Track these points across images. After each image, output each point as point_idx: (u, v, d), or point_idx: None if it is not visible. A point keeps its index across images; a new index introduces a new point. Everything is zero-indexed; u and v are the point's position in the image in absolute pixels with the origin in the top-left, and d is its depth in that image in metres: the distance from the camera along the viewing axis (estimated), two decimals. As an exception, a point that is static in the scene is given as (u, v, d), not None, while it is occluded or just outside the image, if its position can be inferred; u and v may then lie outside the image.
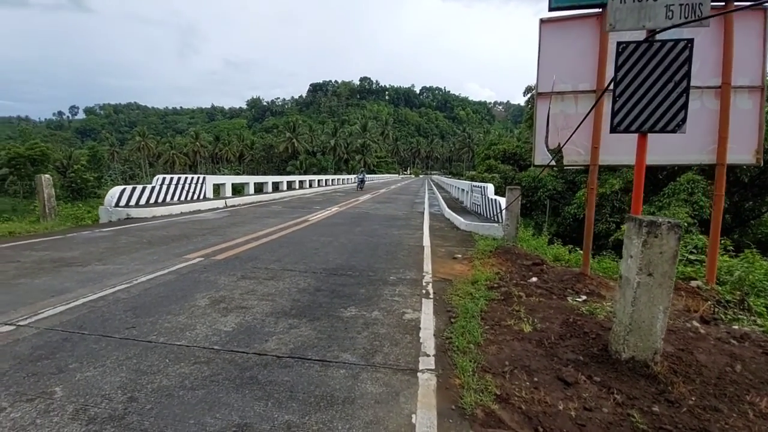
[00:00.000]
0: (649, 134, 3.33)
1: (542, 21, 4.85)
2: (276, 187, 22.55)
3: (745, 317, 3.80)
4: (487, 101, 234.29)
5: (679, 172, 15.22)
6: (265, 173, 65.33)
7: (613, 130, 3.30)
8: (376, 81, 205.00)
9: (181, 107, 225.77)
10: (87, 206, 12.00)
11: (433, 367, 2.79)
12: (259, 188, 20.68)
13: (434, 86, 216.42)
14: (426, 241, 7.95)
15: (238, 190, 18.44)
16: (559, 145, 4.78)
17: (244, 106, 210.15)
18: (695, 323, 3.57)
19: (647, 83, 3.12)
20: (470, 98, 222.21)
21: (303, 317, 3.64)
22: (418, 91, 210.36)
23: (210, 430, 2.05)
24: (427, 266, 5.76)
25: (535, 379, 2.62)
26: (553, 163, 4.96)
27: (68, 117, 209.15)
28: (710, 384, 2.55)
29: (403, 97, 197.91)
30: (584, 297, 4.32)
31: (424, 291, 4.57)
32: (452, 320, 3.66)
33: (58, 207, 9.97)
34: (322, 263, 5.74)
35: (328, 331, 3.34)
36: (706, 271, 4.75)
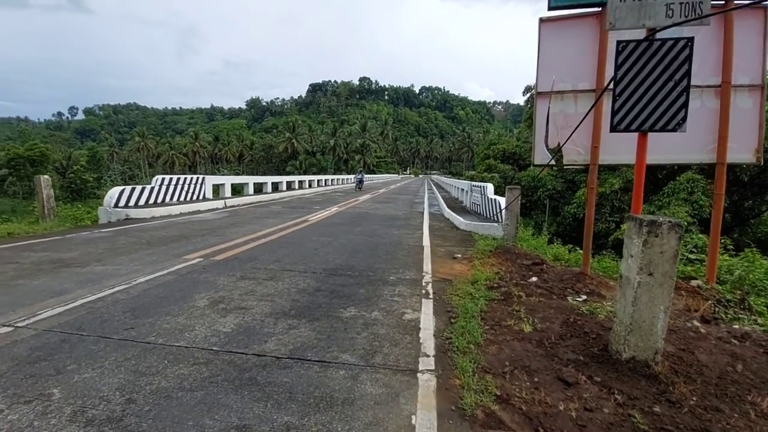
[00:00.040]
0: (649, 133, 3.32)
1: (542, 20, 4.84)
2: (275, 187, 22.53)
3: (745, 316, 3.79)
4: (487, 101, 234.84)
5: (679, 172, 15.22)
6: (264, 173, 65.28)
7: (614, 129, 3.29)
8: (376, 81, 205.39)
9: (180, 108, 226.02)
10: (86, 207, 11.98)
11: (433, 368, 2.78)
12: (259, 188, 20.65)
13: (433, 86, 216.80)
14: (426, 240, 7.94)
15: (237, 190, 18.41)
16: (558, 144, 4.77)
17: (244, 107, 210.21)
18: (696, 323, 3.56)
19: (647, 82, 3.11)
20: (470, 98, 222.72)
21: (302, 318, 3.63)
22: (417, 91, 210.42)
23: None
24: (427, 266, 5.75)
25: (536, 379, 2.61)
26: (553, 162, 4.95)
27: (67, 118, 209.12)
28: (711, 384, 2.54)
29: (402, 97, 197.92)
30: (584, 297, 4.31)
31: (423, 291, 4.56)
32: (452, 320, 3.65)
33: (58, 208, 9.95)
34: (322, 263, 5.73)
35: (328, 332, 3.33)
36: (707, 271, 4.74)
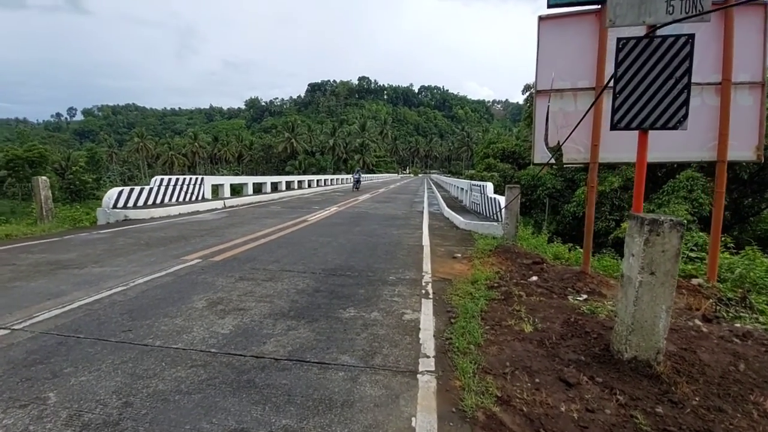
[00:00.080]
0: (649, 131, 3.29)
1: (541, 18, 4.81)
2: (275, 187, 22.49)
3: (747, 315, 3.77)
4: (486, 100, 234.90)
5: (678, 170, 15.22)
6: (263, 173, 65.28)
7: (614, 127, 3.26)
8: (375, 80, 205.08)
9: (179, 108, 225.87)
10: (86, 207, 11.96)
11: (433, 369, 2.75)
12: (258, 189, 20.62)
13: (433, 85, 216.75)
14: (425, 240, 7.91)
15: (236, 190, 18.39)
16: (558, 142, 4.75)
17: (243, 107, 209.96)
18: (697, 322, 3.53)
19: (648, 79, 3.09)
20: (469, 97, 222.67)
21: (301, 319, 3.60)
22: (416, 91, 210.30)
23: (206, 435, 2.02)
24: (427, 266, 5.73)
25: (537, 380, 2.59)
26: (553, 161, 4.93)
27: (66, 119, 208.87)
28: (714, 384, 2.51)
29: (401, 97, 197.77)
30: (585, 296, 4.29)
31: (423, 291, 4.53)
32: (452, 320, 3.62)
33: (56, 209, 9.92)
34: (321, 264, 5.70)
35: (327, 333, 3.30)
36: (707, 269, 4.71)
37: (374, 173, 66.88)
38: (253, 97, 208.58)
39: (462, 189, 16.98)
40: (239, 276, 4.96)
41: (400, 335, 3.30)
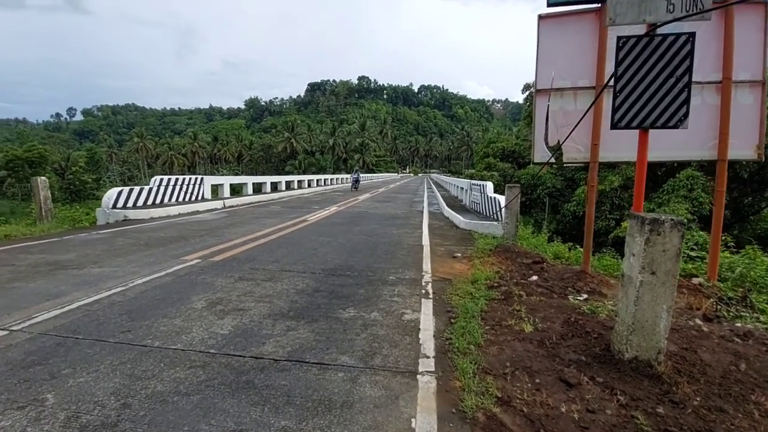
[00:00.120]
0: (650, 130, 3.28)
1: (540, 17, 4.79)
2: (274, 187, 22.47)
3: (747, 314, 3.76)
4: (486, 99, 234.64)
5: (678, 169, 15.21)
6: (263, 173, 65.26)
7: (614, 126, 3.25)
8: (375, 80, 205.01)
9: (179, 108, 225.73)
10: (86, 208, 11.94)
11: (433, 369, 2.74)
12: (258, 188, 20.60)
13: (432, 85, 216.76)
14: (425, 240, 7.90)
15: (236, 190, 18.37)
16: (558, 142, 4.73)
17: (243, 107, 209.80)
18: (698, 321, 3.52)
19: (648, 78, 3.07)
20: (468, 96, 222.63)
21: (301, 319, 3.59)
22: (416, 90, 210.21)
23: (205, 437, 2.01)
24: (427, 265, 5.72)
25: (537, 380, 2.58)
26: (553, 160, 4.91)
27: (66, 119, 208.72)
28: (715, 384, 2.50)
29: (401, 96, 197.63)
30: (585, 295, 4.28)
31: (423, 291, 4.52)
32: (452, 320, 3.61)
33: (56, 209, 9.90)
34: (321, 264, 5.69)
35: (327, 333, 3.29)
36: (708, 268, 4.70)
37: (374, 173, 66.84)
38: (252, 97, 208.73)
39: (462, 188, 16.97)
40: (239, 276, 4.95)
41: (399, 335, 3.29)
